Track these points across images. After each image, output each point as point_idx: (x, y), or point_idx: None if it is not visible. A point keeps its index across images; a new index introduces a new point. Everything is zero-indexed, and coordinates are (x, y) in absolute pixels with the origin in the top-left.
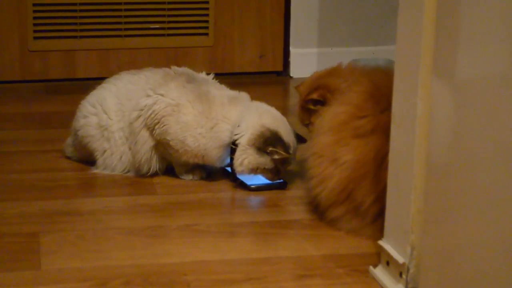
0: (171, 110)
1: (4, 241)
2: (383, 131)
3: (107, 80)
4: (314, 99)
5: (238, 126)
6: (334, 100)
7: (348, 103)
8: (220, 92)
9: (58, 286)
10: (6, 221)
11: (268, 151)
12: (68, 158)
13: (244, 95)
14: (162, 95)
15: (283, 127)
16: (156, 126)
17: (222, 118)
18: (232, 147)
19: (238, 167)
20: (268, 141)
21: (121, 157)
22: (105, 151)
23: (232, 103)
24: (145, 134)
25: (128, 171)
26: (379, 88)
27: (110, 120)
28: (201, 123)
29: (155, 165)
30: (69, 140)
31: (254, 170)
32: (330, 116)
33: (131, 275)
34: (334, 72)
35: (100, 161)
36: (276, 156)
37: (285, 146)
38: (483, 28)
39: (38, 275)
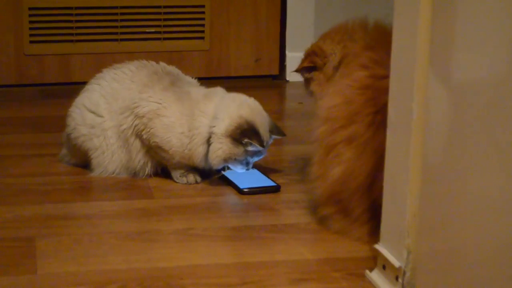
0: (155, 114)
1: (0, 245)
2: (379, 134)
3: (89, 81)
4: (305, 67)
5: (216, 118)
6: (328, 64)
7: (342, 95)
8: (197, 90)
9: None
10: (1, 225)
11: (243, 142)
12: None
13: (219, 89)
14: (146, 99)
15: (259, 119)
16: (143, 132)
17: (199, 113)
18: (210, 140)
19: (213, 159)
20: (244, 133)
21: (112, 155)
22: (97, 149)
23: (207, 98)
24: (137, 140)
25: (120, 173)
26: (376, 79)
27: (100, 117)
28: (182, 123)
29: (150, 169)
30: (63, 151)
31: (226, 160)
32: (325, 108)
33: (127, 279)
34: (329, 34)
35: (94, 161)
36: (250, 148)
37: (260, 139)
38: (478, 31)
39: (34, 279)
